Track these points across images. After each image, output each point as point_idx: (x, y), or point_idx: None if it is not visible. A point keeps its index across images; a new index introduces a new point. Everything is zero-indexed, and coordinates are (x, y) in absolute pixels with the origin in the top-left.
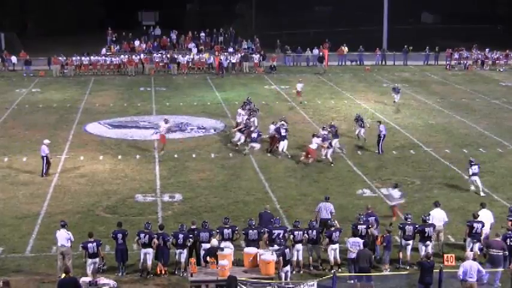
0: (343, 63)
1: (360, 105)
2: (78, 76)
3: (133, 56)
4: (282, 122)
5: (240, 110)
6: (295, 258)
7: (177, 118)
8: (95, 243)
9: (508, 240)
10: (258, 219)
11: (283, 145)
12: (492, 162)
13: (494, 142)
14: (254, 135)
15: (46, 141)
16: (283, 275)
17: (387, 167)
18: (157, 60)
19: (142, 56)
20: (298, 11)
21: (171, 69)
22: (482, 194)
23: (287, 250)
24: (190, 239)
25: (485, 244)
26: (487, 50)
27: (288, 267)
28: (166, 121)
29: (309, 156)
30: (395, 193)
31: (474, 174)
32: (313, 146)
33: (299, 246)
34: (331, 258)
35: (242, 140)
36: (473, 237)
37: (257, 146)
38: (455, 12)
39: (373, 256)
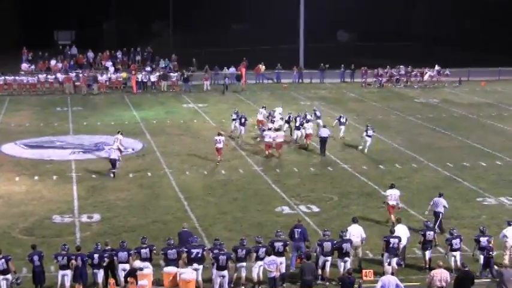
0: (261, 81)
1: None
2: None
3: (49, 76)
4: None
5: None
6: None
7: (94, 138)
8: (3, 259)
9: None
10: (178, 238)
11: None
12: (408, 178)
13: (410, 158)
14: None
15: (115, 145)
16: (218, 280)
17: (305, 183)
18: (74, 80)
19: (59, 75)
20: (215, 30)
21: (94, 88)
22: (366, 151)
23: (221, 256)
24: (106, 259)
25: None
26: (402, 67)
27: (224, 272)
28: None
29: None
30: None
31: (368, 136)
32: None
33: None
34: (255, 275)
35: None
36: (390, 252)
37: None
38: (371, 31)
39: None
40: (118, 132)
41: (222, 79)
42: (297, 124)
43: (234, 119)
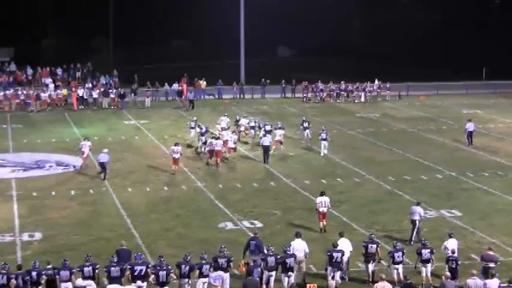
0: (202, 97)
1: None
2: None
3: None
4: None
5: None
6: None
7: (34, 155)
8: None
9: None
10: (116, 256)
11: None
12: (350, 192)
13: (351, 172)
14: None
15: (105, 150)
16: None
17: (248, 199)
18: (9, 97)
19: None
20: (156, 46)
21: (29, 105)
22: (322, 154)
23: (161, 272)
24: (44, 276)
25: (480, 257)
26: (342, 82)
27: None
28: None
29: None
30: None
31: (323, 139)
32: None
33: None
34: None
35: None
36: (333, 266)
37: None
38: (311, 47)
39: None
40: (85, 139)
41: (163, 95)
42: (267, 129)
43: (192, 127)
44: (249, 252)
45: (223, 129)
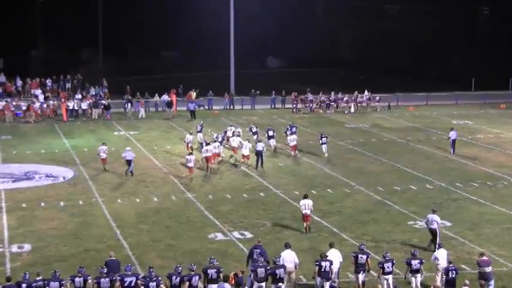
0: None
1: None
2: None
3: None
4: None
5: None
6: None
7: (23, 166)
8: None
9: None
10: (105, 267)
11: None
12: (339, 202)
13: (341, 182)
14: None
15: (128, 147)
16: None
17: (238, 210)
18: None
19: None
20: (146, 57)
21: (20, 116)
22: (326, 155)
23: (151, 283)
24: None
25: (476, 263)
26: (332, 93)
27: None
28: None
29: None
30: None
31: (323, 143)
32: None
33: None
34: None
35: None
36: (322, 276)
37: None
38: (300, 58)
39: None
40: (103, 144)
41: (152, 106)
42: (270, 134)
43: (199, 131)
44: (252, 261)
45: (228, 137)
